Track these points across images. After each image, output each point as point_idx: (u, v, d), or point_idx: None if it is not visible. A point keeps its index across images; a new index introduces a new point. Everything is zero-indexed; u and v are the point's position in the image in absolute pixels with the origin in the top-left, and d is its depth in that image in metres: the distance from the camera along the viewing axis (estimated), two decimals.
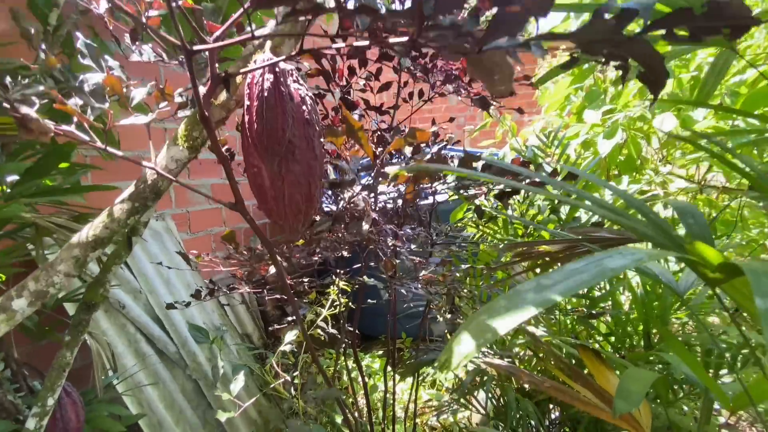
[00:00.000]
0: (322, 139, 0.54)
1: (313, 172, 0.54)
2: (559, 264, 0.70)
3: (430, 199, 1.06)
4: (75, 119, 0.43)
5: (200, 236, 2.32)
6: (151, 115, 0.42)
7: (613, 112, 1.46)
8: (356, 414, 1.14)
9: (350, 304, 1.29)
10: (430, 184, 0.75)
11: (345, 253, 1.09)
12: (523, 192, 1.12)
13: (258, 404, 1.82)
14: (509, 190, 0.99)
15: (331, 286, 1.39)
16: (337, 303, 1.40)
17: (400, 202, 1.10)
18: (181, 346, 1.65)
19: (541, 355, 0.83)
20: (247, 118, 0.44)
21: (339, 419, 1.52)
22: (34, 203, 0.93)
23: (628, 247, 0.35)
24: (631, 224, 0.34)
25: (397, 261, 0.82)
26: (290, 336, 0.97)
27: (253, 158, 0.51)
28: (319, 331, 1.65)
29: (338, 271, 1.26)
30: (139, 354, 1.51)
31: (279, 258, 0.95)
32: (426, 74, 0.71)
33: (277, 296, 1.07)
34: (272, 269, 0.92)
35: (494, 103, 0.83)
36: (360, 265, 1.15)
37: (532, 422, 1.02)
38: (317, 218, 0.79)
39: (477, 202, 0.88)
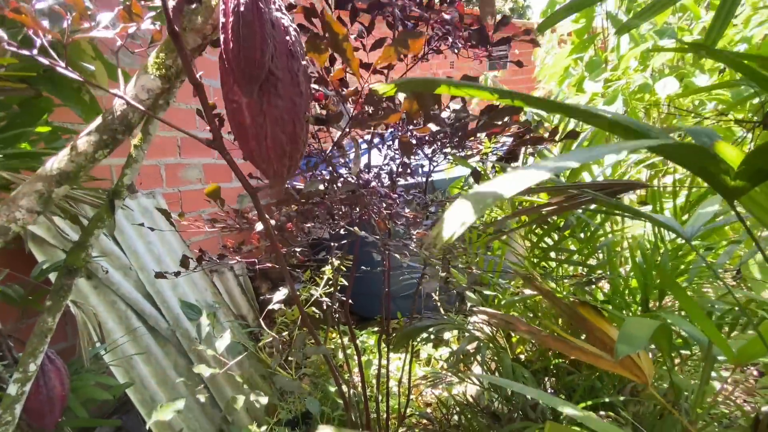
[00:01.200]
0: (308, 73, 0.50)
1: (297, 110, 0.51)
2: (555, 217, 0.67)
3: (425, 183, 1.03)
4: (38, 42, 0.39)
5: (192, 216, 2.28)
6: (116, 28, 0.38)
7: (612, 80, 1.42)
8: (350, 388, 1.12)
9: (344, 282, 1.27)
10: (426, 137, 0.71)
11: (338, 230, 1.07)
12: (521, 158, 1.09)
13: (253, 382, 1.81)
14: (510, 155, 0.96)
15: (327, 265, 1.36)
16: (332, 281, 1.38)
17: (393, 166, 1.06)
18: (173, 323, 1.62)
19: (542, 306, 0.81)
20: (222, 37, 0.40)
21: (333, 389, 1.51)
22: (13, 167, 0.89)
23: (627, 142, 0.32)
24: (641, 128, 0.31)
25: (391, 225, 0.79)
26: (279, 296, 0.94)
27: (232, 90, 0.47)
28: (313, 308, 1.63)
29: (332, 244, 1.24)
30: (130, 331, 1.48)
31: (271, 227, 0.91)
32: (423, 21, 0.67)
33: (269, 265, 1.04)
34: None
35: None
36: (354, 240, 1.13)
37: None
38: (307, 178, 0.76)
39: (473, 163, 0.85)
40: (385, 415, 1.16)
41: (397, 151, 1.08)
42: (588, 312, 0.57)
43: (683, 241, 0.96)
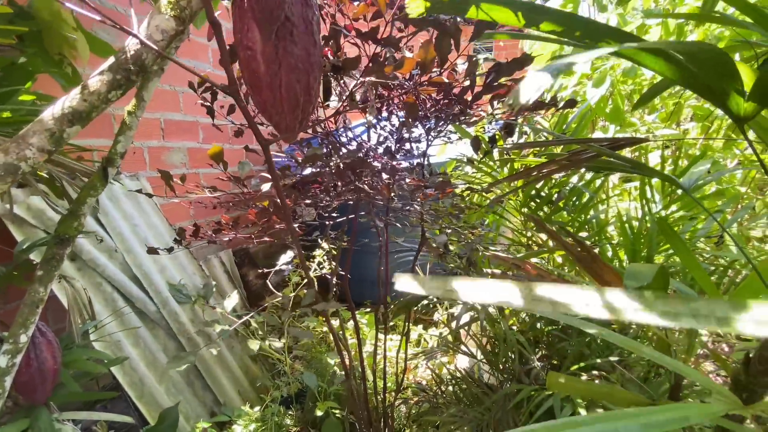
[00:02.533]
0: (320, 24, 0.50)
1: (311, 61, 0.51)
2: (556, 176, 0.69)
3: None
4: None
5: (176, 203, 2.23)
6: None
7: (600, 62, 1.46)
8: (351, 359, 1.13)
9: (338, 267, 1.26)
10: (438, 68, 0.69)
11: (336, 205, 1.06)
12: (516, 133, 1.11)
13: (244, 365, 1.80)
14: (506, 129, 0.98)
15: (318, 249, 1.35)
16: (326, 263, 1.37)
17: (392, 143, 1.07)
18: (161, 306, 1.59)
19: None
20: None
21: (332, 360, 1.51)
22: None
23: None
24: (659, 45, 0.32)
25: (395, 191, 0.80)
26: (285, 258, 0.94)
27: (248, 36, 0.46)
28: (304, 291, 1.62)
29: (327, 223, 1.23)
30: (116, 313, 1.45)
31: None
32: None
33: (268, 240, 1.03)
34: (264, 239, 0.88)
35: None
36: (351, 220, 1.13)
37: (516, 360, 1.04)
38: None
39: (472, 131, 0.86)
40: (382, 386, 1.17)
41: (395, 127, 1.08)
42: (604, 264, 0.59)
43: (667, 213, 1.00)
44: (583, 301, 0.17)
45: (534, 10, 0.36)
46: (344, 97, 0.64)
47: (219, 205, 1.27)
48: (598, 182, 1.00)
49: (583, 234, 1.08)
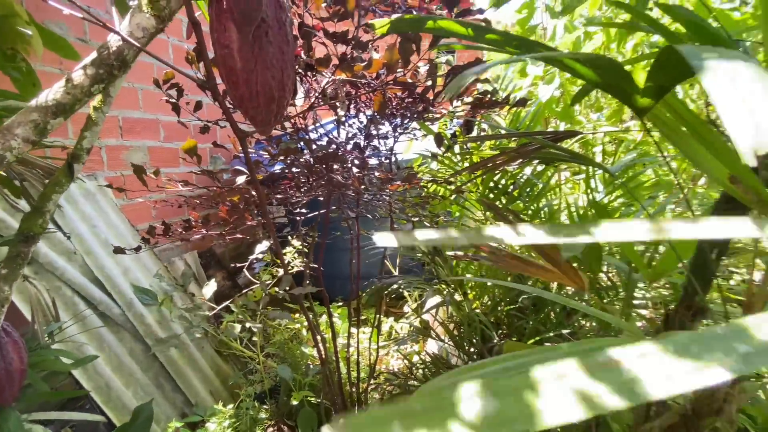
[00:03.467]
0: (292, 25, 0.54)
1: (285, 59, 0.55)
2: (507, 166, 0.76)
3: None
4: None
5: (138, 202, 2.16)
6: None
7: (549, 65, 1.58)
8: (325, 348, 1.16)
9: (310, 262, 1.29)
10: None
11: (308, 198, 1.09)
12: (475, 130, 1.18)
13: (215, 365, 1.78)
14: (466, 126, 1.05)
15: (292, 241, 1.38)
16: (300, 255, 1.40)
17: (361, 140, 1.11)
18: (126, 309, 1.55)
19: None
20: None
21: (306, 350, 1.54)
22: None
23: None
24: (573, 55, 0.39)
25: (365, 182, 0.85)
26: (261, 247, 0.96)
27: (225, 35, 0.50)
28: (276, 289, 1.64)
29: (298, 219, 1.26)
30: (78, 317, 1.40)
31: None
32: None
33: (239, 236, 1.04)
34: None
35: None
36: (323, 211, 1.16)
37: (478, 339, 1.12)
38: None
39: (436, 128, 0.92)
40: (356, 375, 1.22)
41: (363, 124, 1.13)
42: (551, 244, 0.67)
43: (608, 200, 1.12)
44: (508, 234, 0.23)
45: (478, 29, 0.42)
46: (316, 94, 0.68)
47: (185, 204, 1.26)
48: (552, 175, 1.10)
49: (537, 221, 1.18)
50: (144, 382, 1.50)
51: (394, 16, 0.42)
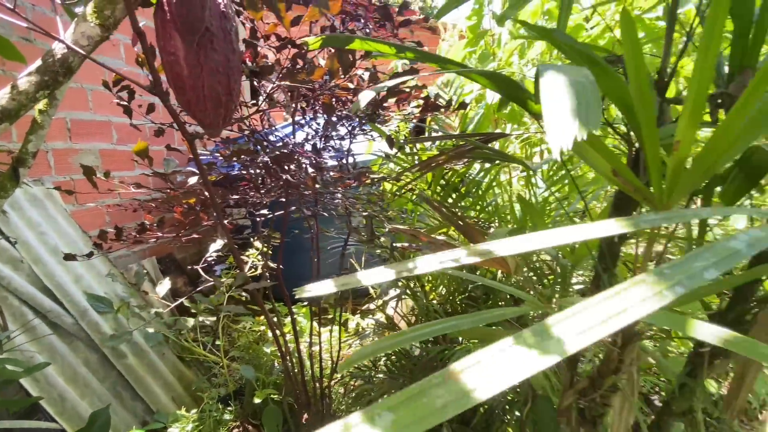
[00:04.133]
0: (239, 35, 0.57)
1: (231, 65, 0.58)
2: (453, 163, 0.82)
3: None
4: None
5: (91, 207, 2.08)
6: None
7: (498, 69, 1.69)
8: (286, 342, 1.19)
9: (271, 263, 1.30)
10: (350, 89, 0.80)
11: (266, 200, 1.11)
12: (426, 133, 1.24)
13: (177, 371, 1.75)
14: (418, 130, 1.11)
15: (250, 248, 1.38)
16: (262, 257, 1.41)
17: (318, 141, 1.15)
18: (79, 318, 1.50)
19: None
20: None
21: (268, 349, 1.55)
22: None
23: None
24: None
25: (320, 184, 0.88)
26: (215, 246, 0.97)
27: (170, 43, 0.52)
28: (238, 292, 1.63)
29: (257, 220, 1.27)
30: (28, 328, 1.34)
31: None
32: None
33: (195, 237, 1.05)
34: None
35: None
36: (282, 212, 1.18)
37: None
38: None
39: (386, 130, 0.98)
40: (318, 369, 1.25)
41: (320, 126, 1.17)
42: (474, 228, 0.74)
43: (548, 194, 1.22)
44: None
45: (400, 48, 0.47)
46: (264, 98, 0.71)
47: (140, 207, 1.24)
48: (497, 174, 1.19)
49: (484, 216, 1.26)
50: (101, 392, 1.46)
51: (325, 34, 0.47)
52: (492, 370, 0.22)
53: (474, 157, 0.75)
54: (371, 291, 2.30)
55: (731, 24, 0.55)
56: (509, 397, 1.02)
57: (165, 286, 1.06)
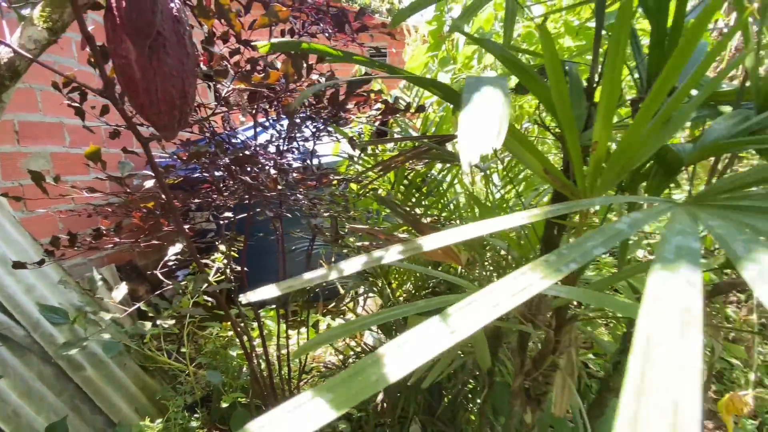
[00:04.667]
0: (194, 40, 0.58)
1: (186, 69, 0.59)
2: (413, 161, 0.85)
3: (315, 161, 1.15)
4: None
5: (42, 214, 1.98)
6: None
7: (458, 73, 1.75)
8: (253, 346, 1.18)
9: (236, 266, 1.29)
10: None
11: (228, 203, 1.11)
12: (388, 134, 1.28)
13: (140, 381, 1.70)
14: (380, 132, 1.15)
15: (215, 252, 1.36)
16: (227, 260, 1.39)
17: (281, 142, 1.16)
18: (32, 330, 1.43)
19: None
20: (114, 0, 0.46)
21: (234, 352, 1.53)
22: None
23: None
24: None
25: (282, 186, 0.89)
26: (173, 250, 0.96)
27: (122, 47, 0.53)
28: (204, 297, 1.61)
29: (221, 223, 1.26)
30: None
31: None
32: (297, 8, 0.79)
33: (155, 242, 1.03)
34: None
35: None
36: (244, 215, 1.18)
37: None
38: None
39: (354, 132, 1.00)
40: (287, 371, 1.26)
41: (283, 128, 1.18)
42: (427, 225, 0.77)
43: (504, 193, 1.28)
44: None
45: (347, 54, 0.50)
46: (219, 101, 0.72)
47: (95, 213, 1.20)
48: (456, 174, 1.24)
49: (446, 213, 1.31)
50: (57, 406, 1.39)
51: (276, 40, 0.49)
52: (413, 348, 0.25)
53: (430, 158, 0.78)
54: (341, 291, 2.32)
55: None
56: (470, 386, 1.07)
57: (121, 291, 1.03)
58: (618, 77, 0.41)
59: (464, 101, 0.34)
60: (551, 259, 0.27)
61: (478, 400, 1.13)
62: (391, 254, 0.34)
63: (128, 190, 0.82)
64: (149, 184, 0.74)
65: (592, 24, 1.23)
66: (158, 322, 0.88)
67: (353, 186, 1.24)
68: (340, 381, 0.25)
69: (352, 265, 0.35)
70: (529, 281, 0.26)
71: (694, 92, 0.61)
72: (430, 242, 0.33)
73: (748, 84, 0.62)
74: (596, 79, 0.65)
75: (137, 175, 0.79)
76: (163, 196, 0.85)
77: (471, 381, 1.10)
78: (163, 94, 0.57)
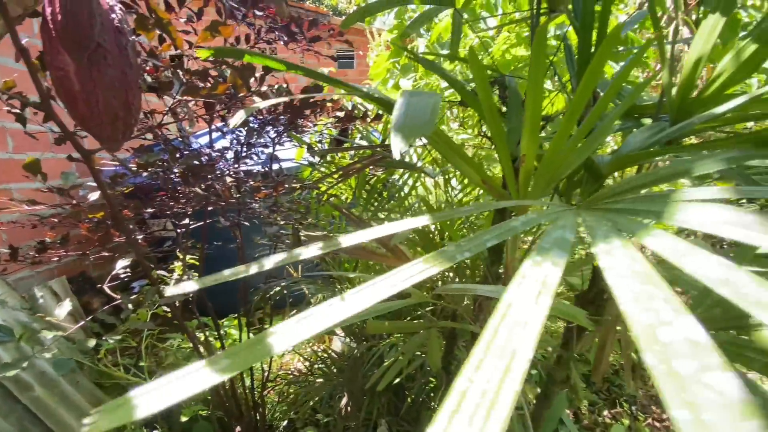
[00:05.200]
0: (137, 50, 0.57)
1: (128, 80, 0.58)
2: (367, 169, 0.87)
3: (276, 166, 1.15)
4: None
5: None
6: None
7: (418, 80, 1.79)
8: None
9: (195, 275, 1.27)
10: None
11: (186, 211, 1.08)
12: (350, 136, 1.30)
13: (95, 399, 1.62)
14: (342, 134, 1.16)
15: (174, 261, 1.32)
16: (185, 269, 1.35)
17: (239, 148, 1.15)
18: None
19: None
20: (49, 10, 0.45)
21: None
22: None
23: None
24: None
25: (239, 196, 0.89)
26: (122, 263, 0.92)
27: (59, 58, 0.51)
28: (164, 308, 1.55)
29: (178, 231, 1.23)
30: None
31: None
32: (249, 17, 0.79)
33: (104, 254, 0.99)
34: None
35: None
36: (202, 223, 1.16)
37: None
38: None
39: (307, 139, 1.01)
40: (250, 380, 1.24)
41: (241, 133, 1.17)
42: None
43: (460, 197, 1.33)
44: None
45: (290, 65, 0.51)
46: (166, 112, 0.71)
47: (40, 223, 1.14)
48: (417, 179, 1.28)
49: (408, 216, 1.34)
50: (5, 429, 1.31)
51: (220, 47, 0.49)
52: (295, 330, 0.27)
53: (384, 165, 0.81)
54: (309, 297, 2.30)
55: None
56: (431, 385, 1.10)
57: (65, 308, 0.99)
58: (540, 94, 0.45)
59: (397, 106, 0.36)
60: (449, 250, 0.30)
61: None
62: (311, 250, 0.36)
63: (74, 202, 0.79)
64: (94, 196, 0.71)
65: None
66: (104, 338, 0.85)
67: (315, 192, 1.25)
68: (240, 349, 0.27)
69: (273, 260, 0.37)
70: (424, 267, 0.29)
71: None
72: (347, 240, 0.36)
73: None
74: None
75: (82, 185, 0.76)
76: (128, 206, 0.82)
77: (432, 379, 1.13)
78: (104, 106, 0.56)
